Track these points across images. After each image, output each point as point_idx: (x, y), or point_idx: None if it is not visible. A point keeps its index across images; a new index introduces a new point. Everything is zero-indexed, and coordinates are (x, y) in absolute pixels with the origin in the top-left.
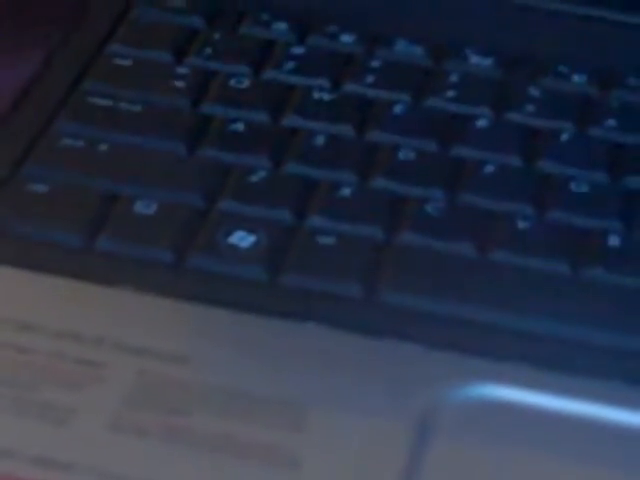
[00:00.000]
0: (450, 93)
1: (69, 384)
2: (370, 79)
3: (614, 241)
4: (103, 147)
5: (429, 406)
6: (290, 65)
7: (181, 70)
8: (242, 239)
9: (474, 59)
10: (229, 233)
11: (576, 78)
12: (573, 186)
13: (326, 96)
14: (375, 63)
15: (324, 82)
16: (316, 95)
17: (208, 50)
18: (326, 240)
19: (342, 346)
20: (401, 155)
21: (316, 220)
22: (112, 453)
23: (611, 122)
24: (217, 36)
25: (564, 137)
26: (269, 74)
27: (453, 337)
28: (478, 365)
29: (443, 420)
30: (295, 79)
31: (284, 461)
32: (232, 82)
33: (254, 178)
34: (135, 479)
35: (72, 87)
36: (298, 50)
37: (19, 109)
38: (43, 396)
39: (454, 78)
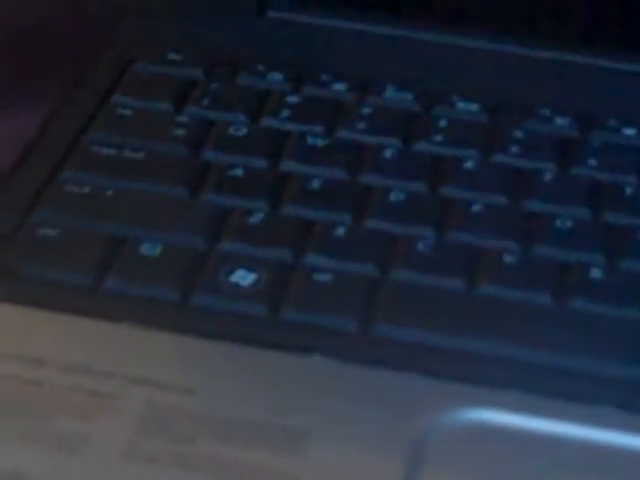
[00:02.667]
0: (438, 137)
1: (82, 415)
2: (361, 125)
3: (596, 273)
4: (109, 193)
5: (423, 429)
6: (286, 113)
7: (181, 119)
8: (243, 277)
9: (460, 105)
10: (230, 272)
11: (558, 121)
12: (557, 222)
13: (320, 142)
14: (366, 110)
15: (318, 129)
16: (310, 141)
17: (206, 100)
18: (323, 277)
19: (339, 376)
20: (392, 196)
21: (313, 258)
22: (125, 479)
23: (592, 162)
24: (215, 86)
25: (547, 176)
26: (266, 122)
27: (445, 366)
28: (469, 391)
29: (436, 443)
30: (290, 126)
31: None
32: (230, 130)
33: (253, 220)
34: None
35: (77, 137)
36: (293, 99)
37: (27, 158)
38: (57, 426)
39: (442, 123)
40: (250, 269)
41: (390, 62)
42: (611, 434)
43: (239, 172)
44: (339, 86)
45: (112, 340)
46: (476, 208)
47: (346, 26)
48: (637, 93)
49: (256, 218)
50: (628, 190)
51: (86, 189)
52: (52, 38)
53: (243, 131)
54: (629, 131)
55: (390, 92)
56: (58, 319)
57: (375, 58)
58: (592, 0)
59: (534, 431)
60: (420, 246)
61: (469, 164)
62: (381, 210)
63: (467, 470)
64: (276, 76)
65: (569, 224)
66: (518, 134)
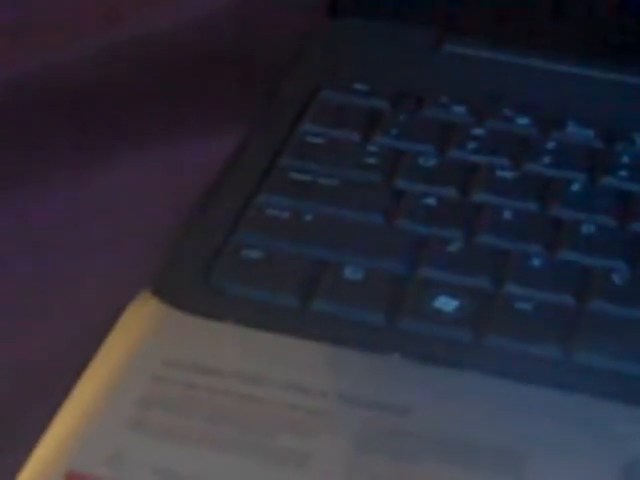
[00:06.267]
0: (623, 172)
1: (302, 432)
2: (547, 159)
3: None
4: (308, 217)
5: (634, 455)
6: (472, 145)
7: (371, 148)
8: (446, 303)
9: None
10: (433, 298)
11: None
12: None
13: (508, 174)
14: (550, 144)
15: (505, 162)
16: (499, 173)
17: (394, 130)
18: (524, 306)
19: (545, 401)
20: (584, 229)
21: (512, 287)
22: None
23: None
24: (402, 118)
25: None
26: (453, 153)
27: None
28: None
29: None
30: (478, 158)
31: None
32: (420, 160)
33: (451, 248)
34: None
35: (270, 163)
36: (478, 131)
37: (224, 183)
38: (280, 443)
39: (624, 159)
40: (452, 296)
41: (567, 97)
42: None
43: (432, 201)
44: (522, 120)
45: (324, 360)
46: None
47: (518, 61)
48: None
49: (454, 246)
50: None
51: (285, 213)
52: (238, 63)
53: (432, 161)
54: None
55: (572, 127)
56: (269, 338)
57: (551, 93)
58: None
59: None
60: (615, 278)
61: None
62: (574, 242)
63: None
64: (459, 109)
65: None
66: None
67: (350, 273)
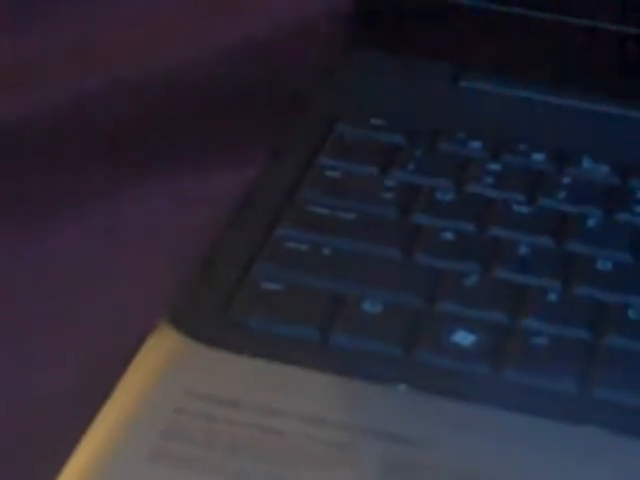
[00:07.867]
0: (638, 208)
1: (321, 465)
2: (563, 195)
3: None
4: (326, 251)
5: None
6: (488, 180)
7: (388, 183)
8: (463, 338)
9: None
10: (451, 332)
11: None
12: None
13: (524, 209)
14: (566, 180)
15: (521, 197)
16: (515, 208)
17: (411, 165)
18: (540, 340)
19: (562, 435)
20: (600, 264)
21: (529, 322)
22: None
23: None
24: (418, 152)
25: None
26: (470, 188)
27: None
28: None
29: None
30: (494, 193)
31: None
32: (437, 194)
33: (468, 282)
34: None
35: (288, 196)
36: (494, 166)
37: (243, 216)
38: (299, 475)
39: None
40: (469, 330)
41: (583, 133)
42: None
43: (449, 235)
44: (538, 156)
45: (343, 393)
46: None
47: (534, 97)
48: None
49: (471, 281)
50: None
51: (304, 247)
52: (255, 96)
53: (449, 196)
54: None
55: (587, 163)
56: (288, 370)
57: (567, 129)
58: None
59: None
60: (631, 313)
61: None
62: (589, 277)
63: None
64: (475, 144)
65: None
66: None
67: (368, 306)
